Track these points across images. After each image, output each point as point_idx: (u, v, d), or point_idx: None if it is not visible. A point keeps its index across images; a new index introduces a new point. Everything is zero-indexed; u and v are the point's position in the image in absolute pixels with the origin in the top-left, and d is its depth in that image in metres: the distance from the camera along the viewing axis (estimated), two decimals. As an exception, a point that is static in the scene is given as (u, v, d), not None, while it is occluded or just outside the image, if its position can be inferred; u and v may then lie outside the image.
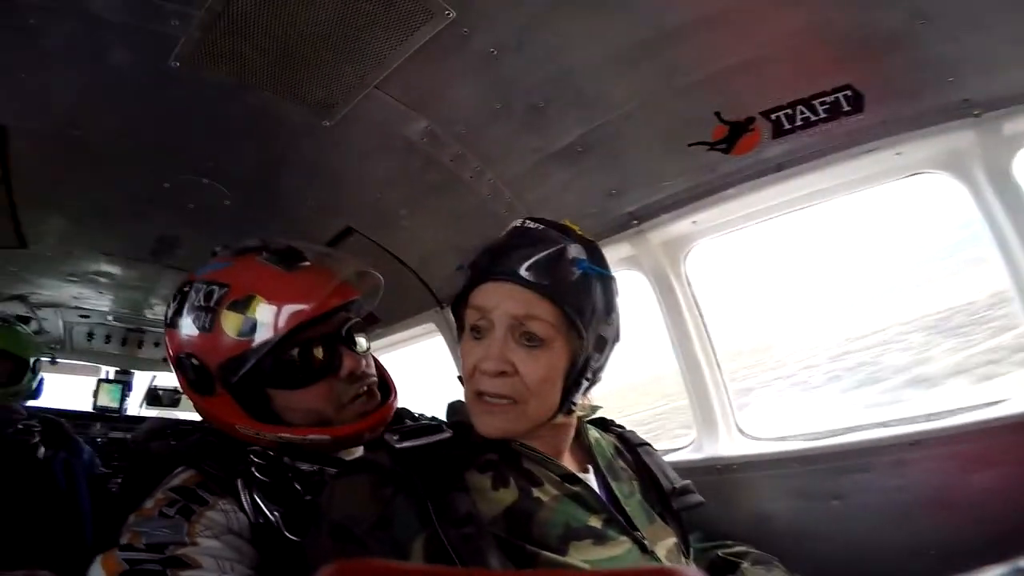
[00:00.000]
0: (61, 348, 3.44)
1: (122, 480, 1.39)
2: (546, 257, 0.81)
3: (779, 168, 1.32)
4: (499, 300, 0.81)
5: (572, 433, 0.93)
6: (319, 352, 0.98)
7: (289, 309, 0.93)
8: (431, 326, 2.33)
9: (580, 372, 0.84)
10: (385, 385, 1.12)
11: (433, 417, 1.17)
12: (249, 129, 1.58)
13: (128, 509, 0.86)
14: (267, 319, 0.92)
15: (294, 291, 0.94)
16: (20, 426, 1.37)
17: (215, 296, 0.94)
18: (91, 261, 2.38)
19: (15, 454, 0.97)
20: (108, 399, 3.48)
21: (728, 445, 1.54)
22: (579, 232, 0.89)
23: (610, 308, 0.86)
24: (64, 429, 1.55)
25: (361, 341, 1.06)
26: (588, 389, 0.89)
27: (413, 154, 1.67)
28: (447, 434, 0.84)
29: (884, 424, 1.34)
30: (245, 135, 1.61)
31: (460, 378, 0.95)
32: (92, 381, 3.54)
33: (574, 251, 0.83)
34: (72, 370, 3.64)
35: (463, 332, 0.90)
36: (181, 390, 1.07)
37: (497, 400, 0.81)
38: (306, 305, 0.93)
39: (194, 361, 0.94)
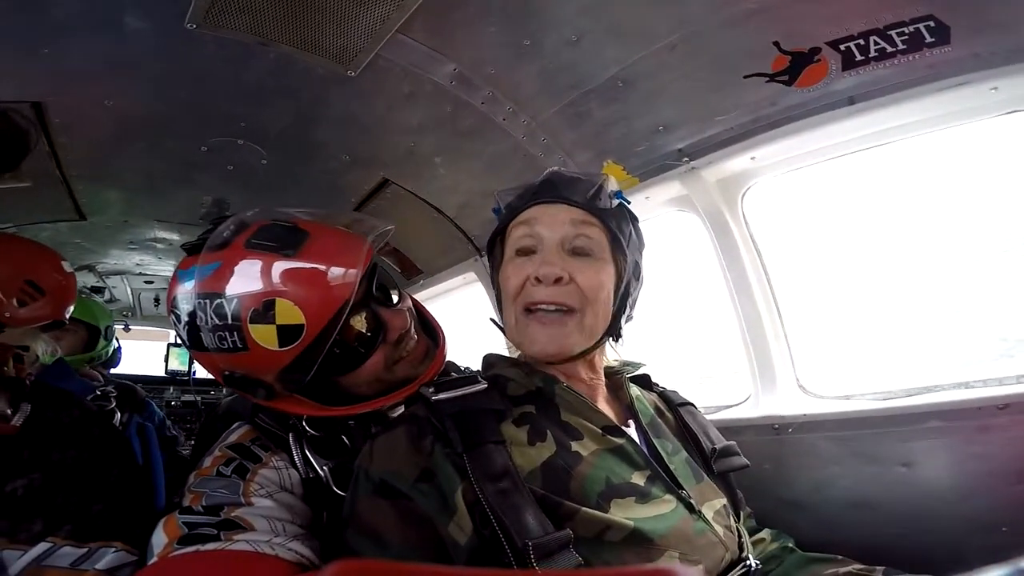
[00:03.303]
0: (132, 315, 3.72)
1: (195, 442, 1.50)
2: (589, 185, 0.92)
3: (852, 101, 1.20)
4: (550, 217, 0.89)
5: (602, 378, 0.97)
6: (363, 326, 0.95)
7: (318, 299, 0.86)
8: (471, 275, 2.37)
9: (625, 294, 0.91)
10: (431, 329, 1.12)
11: (477, 372, 1.20)
12: (275, 86, 1.59)
13: (193, 467, 0.91)
14: (301, 319, 0.85)
15: (315, 277, 0.87)
16: (98, 392, 1.56)
17: (227, 311, 0.85)
18: (147, 228, 2.53)
19: (93, 422, 1.09)
20: (177, 363, 3.76)
21: (788, 403, 1.50)
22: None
23: (641, 241, 0.98)
24: (137, 394, 1.73)
25: (393, 294, 1.04)
26: (628, 319, 0.96)
27: (443, 99, 1.64)
28: (482, 385, 0.85)
29: (967, 384, 1.25)
30: (272, 93, 1.62)
31: (495, 320, 1.00)
32: (163, 346, 3.84)
33: (612, 184, 0.94)
34: (145, 336, 3.96)
35: (499, 267, 0.94)
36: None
37: (553, 310, 0.85)
38: (336, 285, 0.87)
39: (242, 376, 0.92)
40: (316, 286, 0.86)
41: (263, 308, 0.84)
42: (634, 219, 0.97)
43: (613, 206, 0.92)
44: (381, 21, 1.36)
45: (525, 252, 0.89)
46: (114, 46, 1.36)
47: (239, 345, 0.86)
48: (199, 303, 0.87)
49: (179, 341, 3.85)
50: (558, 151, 1.73)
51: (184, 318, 0.91)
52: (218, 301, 0.86)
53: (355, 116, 1.75)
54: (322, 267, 0.88)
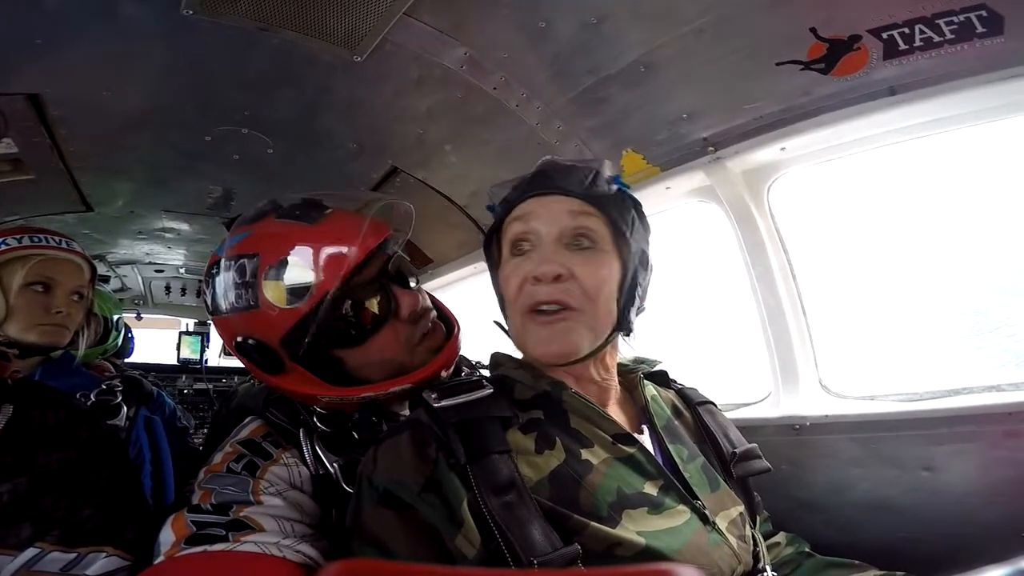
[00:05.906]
0: (143, 303, 3.79)
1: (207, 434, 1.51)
2: (586, 172, 0.88)
3: (892, 92, 1.13)
4: (546, 210, 0.85)
5: (615, 377, 0.92)
6: (373, 299, 0.98)
7: (328, 261, 0.91)
8: (482, 264, 2.33)
9: (632, 285, 0.86)
10: (446, 319, 1.12)
11: (483, 377, 1.18)
12: (278, 73, 1.54)
13: (204, 460, 0.92)
14: (308, 278, 0.90)
15: (326, 242, 0.92)
16: (104, 386, 1.54)
17: (247, 269, 0.92)
18: (154, 219, 2.54)
19: (80, 423, 1.06)
20: (189, 351, 3.80)
21: (809, 403, 1.46)
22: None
23: (647, 228, 0.92)
24: (144, 387, 1.71)
25: (411, 281, 1.06)
26: (639, 312, 0.91)
27: (453, 84, 1.59)
28: (488, 391, 0.83)
29: (997, 388, 1.21)
30: (275, 80, 1.58)
31: (500, 324, 0.94)
32: (175, 335, 3.87)
33: (608, 169, 0.90)
34: (157, 324, 4.00)
35: (498, 267, 0.91)
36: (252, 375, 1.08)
37: (556, 310, 0.81)
38: (344, 251, 0.92)
39: (253, 342, 0.95)
40: (328, 250, 0.93)
41: (277, 266, 0.91)
42: (636, 205, 0.91)
43: (612, 192, 0.87)
44: (388, 3, 1.31)
45: (521, 250, 0.86)
46: (110, 35, 1.32)
47: (251, 303, 0.92)
48: (224, 264, 0.95)
49: (190, 329, 3.93)
50: (574, 139, 1.67)
51: (210, 283, 0.99)
52: (240, 262, 0.93)
53: (362, 103, 1.71)
54: (337, 235, 0.94)
